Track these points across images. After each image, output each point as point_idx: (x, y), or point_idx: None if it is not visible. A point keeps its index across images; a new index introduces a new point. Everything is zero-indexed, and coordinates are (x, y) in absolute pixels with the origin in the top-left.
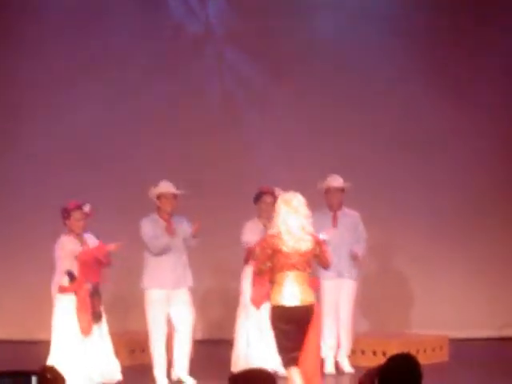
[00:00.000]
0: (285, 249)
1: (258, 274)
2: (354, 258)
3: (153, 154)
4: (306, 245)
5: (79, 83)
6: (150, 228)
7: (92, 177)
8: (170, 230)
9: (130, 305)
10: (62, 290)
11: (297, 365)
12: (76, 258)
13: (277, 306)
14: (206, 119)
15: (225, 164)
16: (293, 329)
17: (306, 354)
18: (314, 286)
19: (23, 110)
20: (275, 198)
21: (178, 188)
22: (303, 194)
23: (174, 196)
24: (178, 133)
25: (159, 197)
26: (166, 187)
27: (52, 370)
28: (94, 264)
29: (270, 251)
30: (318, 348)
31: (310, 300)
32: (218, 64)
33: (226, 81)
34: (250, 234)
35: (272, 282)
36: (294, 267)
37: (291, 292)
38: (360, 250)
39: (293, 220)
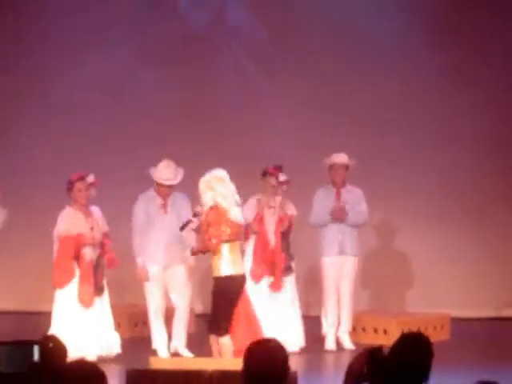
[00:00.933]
0: (230, 217)
1: (205, 250)
2: (338, 209)
3: (166, 131)
4: (239, 216)
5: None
6: (142, 212)
7: (92, 147)
8: (165, 209)
9: (131, 278)
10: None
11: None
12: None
13: (225, 276)
14: (217, 98)
15: (237, 140)
16: (232, 298)
17: (248, 324)
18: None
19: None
20: (278, 182)
21: (179, 165)
22: (313, 170)
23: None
24: (190, 111)
25: (157, 181)
26: (163, 177)
27: (54, 339)
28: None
29: (220, 224)
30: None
31: (243, 269)
32: (230, 39)
33: (239, 57)
34: (250, 209)
35: (211, 252)
36: (234, 237)
37: (233, 261)
38: (353, 215)
39: (224, 189)
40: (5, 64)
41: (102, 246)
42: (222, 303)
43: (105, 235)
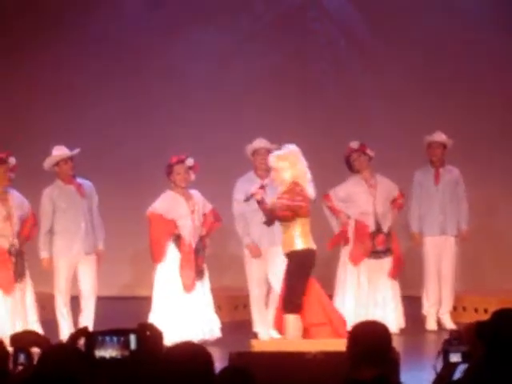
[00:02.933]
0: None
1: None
2: (462, 238)
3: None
4: (313, 193)
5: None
6: (240, 195)
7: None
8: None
9: (230, 260)
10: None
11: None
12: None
13: (310, 250)
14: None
15: (326, 118)
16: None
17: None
18: None
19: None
20: (367, 156)
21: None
22: (406, 148)
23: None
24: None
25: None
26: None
27: (150, 327)
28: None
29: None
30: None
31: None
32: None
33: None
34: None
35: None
36: (307, 213)
37: (306, 236)
38: (465, 224)
39: (301, 166)
40: None
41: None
42: (299, 281)
43: (210, 213)
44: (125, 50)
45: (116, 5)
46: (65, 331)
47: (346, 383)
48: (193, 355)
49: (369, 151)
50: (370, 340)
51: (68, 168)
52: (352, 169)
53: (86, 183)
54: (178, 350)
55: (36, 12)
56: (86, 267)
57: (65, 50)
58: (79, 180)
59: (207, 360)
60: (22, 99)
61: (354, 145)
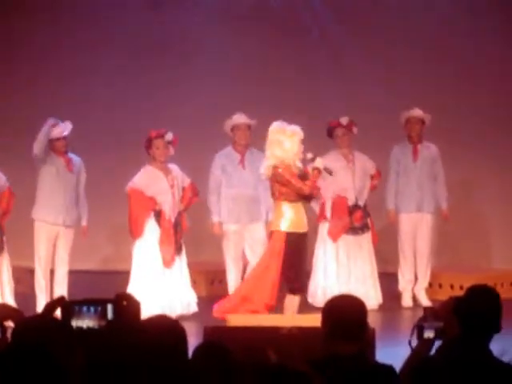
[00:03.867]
0: None
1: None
2: (444, 218)
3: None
4: None
5: None
6: (219, 170)
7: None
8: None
9: (207, 235)
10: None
11: None
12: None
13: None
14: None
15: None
16: None
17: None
18: None
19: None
20: (345, 128)
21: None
22: (383, 127)
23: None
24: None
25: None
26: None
27: (128, 297)
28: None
29: None
30: None
31: None
32: None
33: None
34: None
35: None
36: None
37: None
38: (445, 204)
39: None
40: None
41: (183, 199)
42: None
43: (188, 188)
44: (124, 34)
45: None
46: (42, 304)
47: (324, 358)
48: (165, 329)
49: (354, 129)
50: (345, 314)
51: (61, 145)
52: (333, 138)
53: (76, 159)
54: (150, 323)
55: None
56: (64, 239)
57: (68, 32)
58: (70, 155)
59: (180, 334)
60: (24, 82)
61: (344, 120)
